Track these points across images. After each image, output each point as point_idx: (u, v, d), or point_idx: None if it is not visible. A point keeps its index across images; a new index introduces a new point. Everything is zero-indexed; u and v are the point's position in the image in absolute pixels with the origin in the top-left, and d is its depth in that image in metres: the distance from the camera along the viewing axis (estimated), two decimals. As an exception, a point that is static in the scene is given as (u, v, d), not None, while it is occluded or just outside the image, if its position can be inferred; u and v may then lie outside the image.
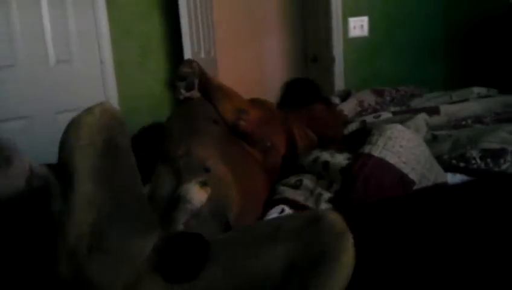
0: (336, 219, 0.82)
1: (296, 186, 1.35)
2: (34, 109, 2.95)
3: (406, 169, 1.24)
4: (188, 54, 3.18)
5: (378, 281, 0.95)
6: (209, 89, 1.49)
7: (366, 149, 1.30)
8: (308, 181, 1.35)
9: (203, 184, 1.02)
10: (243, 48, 5.03)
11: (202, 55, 3.48)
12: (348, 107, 2.35)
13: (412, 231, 1.09)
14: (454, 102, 2.17)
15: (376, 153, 1.26)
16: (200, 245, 0.85)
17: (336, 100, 2.55)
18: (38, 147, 2.94)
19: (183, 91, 1.44)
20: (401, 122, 1.52)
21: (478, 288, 0.91)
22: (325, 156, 1.38)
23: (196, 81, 1.44)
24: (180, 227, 0.94)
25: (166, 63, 3.61)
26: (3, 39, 2.80)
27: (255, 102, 1.68)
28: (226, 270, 0.83)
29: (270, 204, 1.26)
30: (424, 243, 1.03)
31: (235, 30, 4.94)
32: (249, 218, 1.14)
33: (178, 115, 1.41)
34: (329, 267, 0.78)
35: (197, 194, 1.00)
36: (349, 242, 0.80)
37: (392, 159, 1.24)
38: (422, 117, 1.62)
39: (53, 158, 2.71)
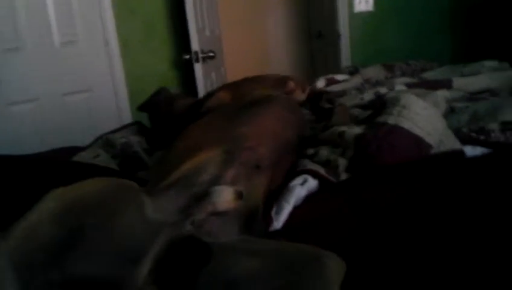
0: (330, 272, 0.81)
1: (313, 156, 1.35)
2: (41, 91, 2.95)
3: (421, 133, 1.24)
4: (192, 32, 3.15)
5: (390, 249, 0.96)
6: None
7: (381, 119, 1.30)
8: (323, 151, 1.35)
9: (239, 195, 1.00)
10: (247, 25, 5.00)
11: (207, 33, 3.45)
12: (352, 84, 2.35)
13: (428, 199, 1.10)
14: (466, 76, 2.16)
15: (391, 121, 1.27)
16: (200, 254, 0.84)
17: (345, 76, 2.54)
18: (46, 129, 2.96)
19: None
20: (421, 96, 1.52)
21: (492, 261, 0.92)
22: (343, 127, 1.38)
23: None
24: (189, 227, 0.92)
25: (171, 42, 3.59)
26: (8, 22, 2.78)
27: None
28: (207, 275, 0.82)
29: (292, 175, 1.26)
30: (440, 213, 1.04)
31: (239, 7, 4.90)
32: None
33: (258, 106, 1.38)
34: None
35: (227, 202, 0.98)
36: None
37: (406, 124, 1.25)
38: (441, 94, 1.62)
39: (60, 140, 2.72)
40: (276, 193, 1.18)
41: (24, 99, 2.88)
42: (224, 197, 0.98)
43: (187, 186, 1.00)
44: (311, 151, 1.37)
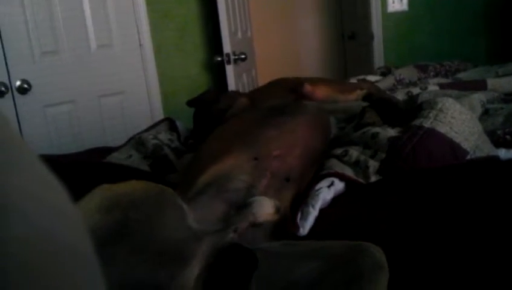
0: (379, 255, 0.82)
1: (342, 155, 1.34)
2: (78, 93, 3.02)
3: (458, 139, 1.22)
4: (225, 35, 3.18)
5: (420, 254, 0.95)
6: None
7: (417, 122, 1.28)
8: (353, 151, 1.33)
9: (278, 210, 1.01)
10: (278, 27, 5.00)
11: (239, 35, 3.47)
12: (384, 85, 2.32)
13: (460, 202, 1.07)
14: (501, 76, 2.11)
15: (427, 124, 1.25)
16: (249, 262, 0.85)
17: (377, 77, 2.52)
18: (83, 130, 3.04)
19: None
20: (456, 98, 1.49)
21: None
22: (377, 129, 1.36)
23: None
24: (232, 235, 0.93)
25: (204, 44, 3.62)
26: (46, 26, 2.86)
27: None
28: (263, 279, 0.84)
29: (318, 178, 1.25)
30: (472, 216, 1.02)
31: (271, 9, 4.91)
32: None
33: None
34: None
35: (267, 215, 0.99)
36: (386, 277, 0.80)
37: (442, 128, 1.23)
38: (477, 97, 1.58)
39: (97, 139, 2.78)
40: (301, 197, 1.18)
41: (60, 101, 2.95)
42: (265, 209, 0.99)
43: (220, 192, 1.01)
44: (339, 151, 1.36)
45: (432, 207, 1.07)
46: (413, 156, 1.21)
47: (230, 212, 0.98)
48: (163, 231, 0.86)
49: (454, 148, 1.22)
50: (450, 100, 1.32)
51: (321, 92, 1.56)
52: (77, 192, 0.98)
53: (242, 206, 0.98)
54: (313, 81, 1.65)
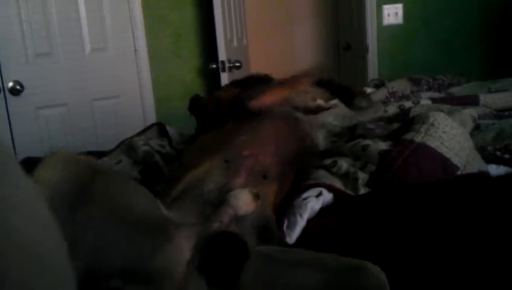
0: (379, 274, 0.82)
1: (330, 166, 1.34)
2: (71, 96, 3.01)
3: (448, 154, 1.22)
4: (220, 42, 3.18)
5: (407, 268, 0.95)
6: None
7: (408, 136, 1.28)
8: (342, 162, 1.33)
9: (256, 197, 1.00)
10: (274, 36, 5.01)
11: (235, 43, 3.48)
12: (376, 97, 2.31)
13: (450, 217, 1.07)
14: (493, 92, 2.12)
15: (418, 139, 1.25)
16: (241, 246, 0.86)
17: (370, 90, 2.52)
18: (75, 133, 3.02)
19: None
20: (447, 113, 1.50)
21: None
22: (367, 141, 1.36)
23: None
24: (218, 224, 0.92)
25: (199, 51, 3.63)
26: (41, 27, 2.86)
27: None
28: (256, 282, 0.84)
29: (305, 187, 1.25)
30: (461, 232, 1.02)
31: (267, 18, 4.92)
32: None
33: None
34: None
35: (246, 205, 0.98)
36: None
37: (433, 143, 1.23)
38: (468, 112, 1.58)
39: (89, 143, 2.75)
40: (285, 205, 1.17)
41: (53, 104, 2.95)
42: (243, 199, 0.98)
43: (194, 196, 1.01)
44: (328, 161, 1.36)
45: (420, 222, 1.07)
46: (404, 170, 1.20)
47: (209, 211, 0.97)
48: (137, 202, 0.84)
49: (444, 163, 1.22)
50: (442, 115, 1.32)
51: (271, 99, 1.54)
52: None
53: (219, 202, 0.98)
54: (270, 87, 1.64)
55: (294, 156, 1.30)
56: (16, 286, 0.34)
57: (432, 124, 1.27)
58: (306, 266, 0.87)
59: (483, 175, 1.23)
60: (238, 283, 0.82)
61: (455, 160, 1.22)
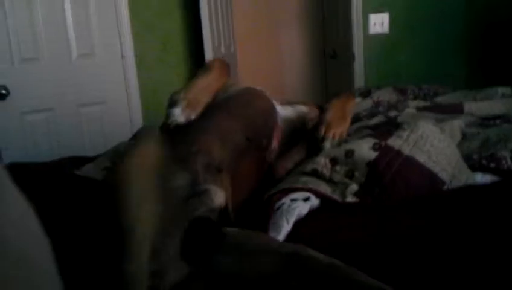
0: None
1: (311, 174, 1.33)
2: (57, 102, 2.99)
3: (435, 169, 1.23)
4: (208, 49, 3.19)
5: (404, 277, 0.95)
6: None
7: (396, 145, 1.27)
8: (324, 169, 1.32)
9: (226, 199, 1.07)
10: (262, 43, 5.03)
11: (222, 50, 3.48)
12: (362, 107, 2.31)
13: (440, 231, 1.08)
14: (478, 101, 2.14)
15: (406, 151, 1.25)
16: (215, 228, 0.95)
17: (358, 99, 2.53)
18: (61, 139, 3.00)
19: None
20: (437, 123, 1.51)
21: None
22: (349, 145, 1.34)
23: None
24: (197, 213, 0.96)
25: (187, 57, 3.62)
26: (27, 33, 2.84)
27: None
28: (237, 263, 0.88)
29: (291, 189, 1.25)
30: (451, 243, 1.03)
31: (255, 25, 4.94)
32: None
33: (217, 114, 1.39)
34: None
35: (219, 197, 1.04)
36: None
37: (421, 157, 1.23)
38: (458, 124, 1.60)
39: (75, 149, 2.73)
40: (268, 206, 1.19)
41: (38, 109, 2.92)
42: (219, 197, 1.04)
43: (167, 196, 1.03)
44: (307, 168, 1.35)
45: (408, 233, 1.07)
46: (392, 185, 1.21)
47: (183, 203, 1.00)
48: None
49: (432, 178, 1.22)
50: (431, 126, 1.32)
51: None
52: (45, 202, 0.96)
53: (197, 193, 1.01)
54: None
55: (244, 144, 1.30)
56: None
57: (421, 136, 1.27)
58: (264, 253, 0.93)
59: (469, 188, 1.25)
60: (212, 262, 0.87)
61: (442, 175, 1.23)
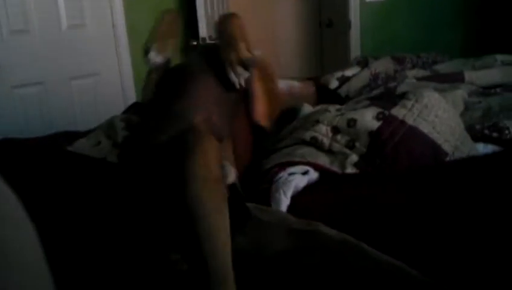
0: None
1: (311, 143, 1.31)
2: (48, 75, 2.93)
3: (439, 140, 1.20)
4: (201, 18, 3.12)
5: (405, 250, 0.94)
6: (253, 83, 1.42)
7: (400, 114, 1.24)
8: (323, 137, 1.29)
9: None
10: (256, 13, 4.94)
11: (216, 18, 3.41)
12: (360, 80, 2.26)
13: (442, 202, 1.06)
14: (478, 69, 2.10)
15: (410, 120, 1.21)
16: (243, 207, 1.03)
17: (355, 69, 2.47)
18: (52, 113, 2.94)
19: (241, 80, 1.33)
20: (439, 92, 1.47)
21: (498, 261, 0.89)
22: (351, 113, 1.30)
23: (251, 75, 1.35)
24: None
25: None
26: (16, 3, 2.75)
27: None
28: (254, 242, 0.92)
29: (289, 163, 1.23)
30: (453, 215, 1.01)
31: (248, -6, 4.84)
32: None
33: (199, 75, 1.35)
34: None
35: (232, 174, 1.08)
36: None
37: (425, 128, 1.20)
38: (460, 94, 1.56)
39: (67, 123, 2.69)
40: (268, 179, 1.16)
41: (29, 82, 2.85)
42: (232, 173, 1.09)
43: None
44: (307, 136, 1.32)
45: (409, 205, 1.06)
46: (394, 155, 1.19)
47: None
48: None
49: (435, 149, 1.20)
50: (436, 96, 1.28)
51: None
52: (37, 180, 0.93)
53: None
54: None
55: (230, 113, 1.28)
56: None
57: (426, 106, 1.24)
58: (279, 230, 0.96)
59: (471, 159, 1.23)
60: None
61: (445, 146, 1.21)
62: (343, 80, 2.29)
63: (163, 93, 1.31)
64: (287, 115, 1.58)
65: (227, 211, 0.90)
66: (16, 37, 2.78)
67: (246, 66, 1.29)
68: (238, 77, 1.26)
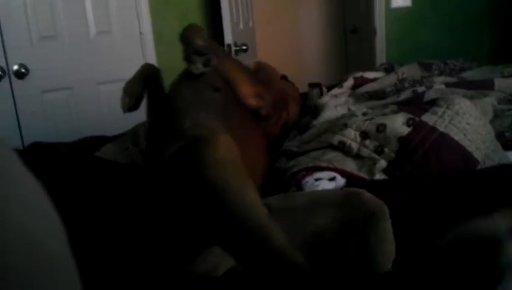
0: (372, 196, 0.94)
1: (339, 148, 1.30)
2: (76, 80, 2.97)
3: (470, 147, 1.18)
4: (226, 24, 3.14)
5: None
6: (227, 69, 1.46)
7: (431, 120, 1.22)
8: (352, 143, 1.28)
9: None
10: (280, 19, 4.96)
11: (241, 25, 3.43)
12: (386, 82, 2.23)
13: (472, 210, 1.05)
14: (507, 77, 2.07)
15: (441, 127, 1.20)
16: None
17: (378, 74, 2.45)
18: (80, 117, 2.99)
19: (199, 66, 1.39)
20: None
21: None
22: (381, 118, 1.29)
23: (213, 58, 1.39)
24: None
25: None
26: (45, 10, 2.81)
27: (261, 73, 1.66)
28: (288, 233, 0.90)
29: (316, 168, 1.23)
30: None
31: (274, 0, 4.86)
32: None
33: (180, 86, 1.42)
34: (382, 224, 0.90)
35: None
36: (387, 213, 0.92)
37: (456, 135, 1.19)
38: (490, 101, 1.53)
39: (94, 127, 2.73)
40: (291, 183, 1.17)
41: (58, 87, 2.91)
42: None
43: None
44: (334, 140, 1.31)
45: (439, 213, 1.04)
46: (424, 162, 1.17)
47: None
48: None
49: (466, 157, 1.18)
50: (468, 103, 1.26)
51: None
52: (66, 185, 0.94)
53: None
54: None
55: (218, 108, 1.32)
56: (17, 276, 0.36)
57: (457, 113, 1.22)
58: (315, 208, 0.97)
59: (503, 167, 1.21)
60: None
61: (476, 154, 1.19)
62: (361, 81, 2.24)
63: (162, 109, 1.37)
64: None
65: (252, 185, 0.91)
66: (45, 43, 2.84)
67: (201, 53, 1.36)
68: (196, 65, 1.30)
